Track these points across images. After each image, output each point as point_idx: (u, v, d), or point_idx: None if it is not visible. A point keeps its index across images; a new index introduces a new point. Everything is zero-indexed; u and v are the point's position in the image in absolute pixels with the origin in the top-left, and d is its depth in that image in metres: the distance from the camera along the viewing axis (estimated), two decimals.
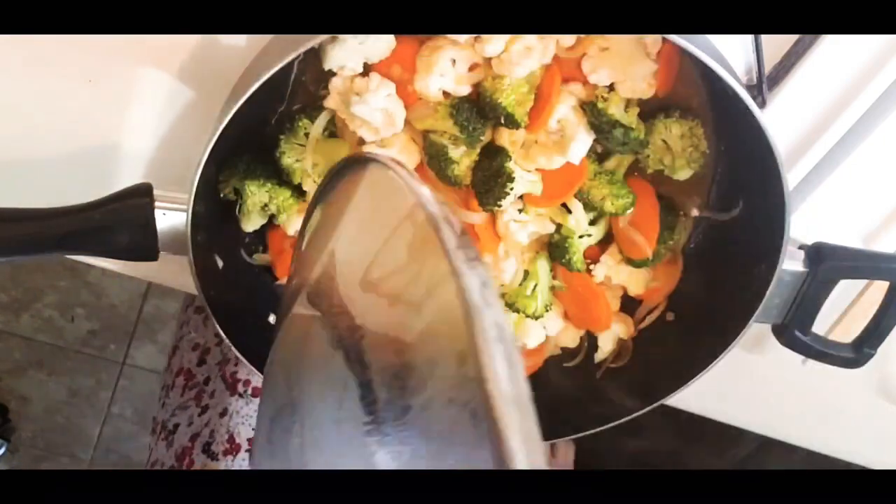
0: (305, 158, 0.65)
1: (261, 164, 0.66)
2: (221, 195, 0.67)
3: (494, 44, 0.59)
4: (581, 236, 0.69)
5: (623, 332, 0.75)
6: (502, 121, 0.62)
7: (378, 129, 0.62)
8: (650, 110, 0.65)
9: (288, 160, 0.66)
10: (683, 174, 0.67)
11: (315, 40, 0.54)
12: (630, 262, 0.71)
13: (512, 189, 0.63)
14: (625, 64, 0.61)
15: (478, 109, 0.63)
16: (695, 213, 0.71)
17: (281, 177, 0.66)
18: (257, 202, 0.66)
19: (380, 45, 0.60)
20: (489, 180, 0.64)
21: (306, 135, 0.65)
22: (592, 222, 0.70)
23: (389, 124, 0.62)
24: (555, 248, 0.70)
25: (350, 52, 0.59)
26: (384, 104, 0.61)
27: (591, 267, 0.73)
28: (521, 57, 0.59)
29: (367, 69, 0.61)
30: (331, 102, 0.63)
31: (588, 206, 0.68)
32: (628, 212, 0.68)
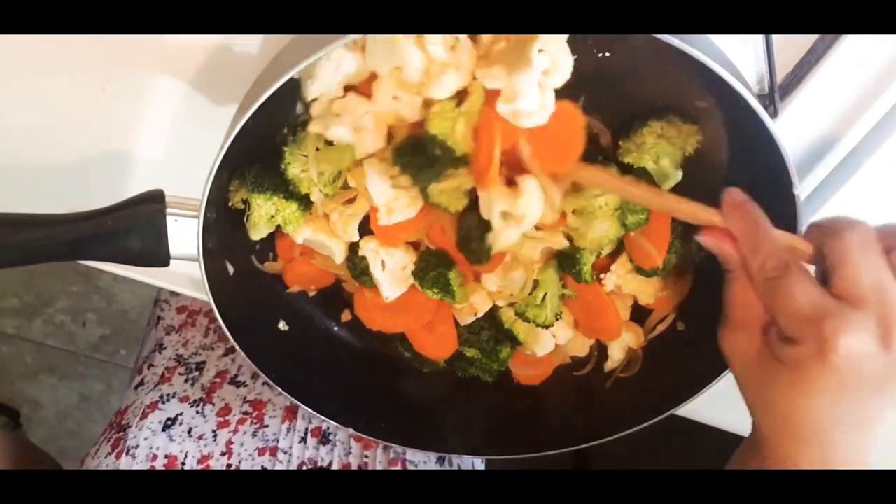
0: (310, 168, 0.65)
1: (269, 176, 0.66)
2: (230, 204, 0.67)
3: (413, 67, 0.56)
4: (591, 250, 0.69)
5: (633, 341, 0.75)
6: (438, 152, 0.58)
7: (362, 144, 0.62)
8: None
9: (294, 171, 0.66)
10: (667, 185, 0.66)
11: (327, 49, 0.54)
12: (640, 271, 0.71)
13: (491, 246, 0.61)
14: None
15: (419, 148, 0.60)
16: None
17: (288, 188, 0.67)
18: (264, 214, 0.67)
19: (355, 68, 0.60)
20: (467, 239, 0.63)
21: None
22: None
23: (373, 140, 0.62)
24: (564, 258, 0.69)
25: (328, 80, 0.60)
26: (364, 122, 0.61)
27: (601, 276, 0.73)
28: (438, 74, 0.56)
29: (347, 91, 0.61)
30: (315, 127, 0.63)
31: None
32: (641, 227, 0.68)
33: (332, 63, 0.59)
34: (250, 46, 0.66)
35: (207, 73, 0.68)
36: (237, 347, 0.67)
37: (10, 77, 0.69)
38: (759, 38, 0.64)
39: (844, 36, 0.63)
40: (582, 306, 0.74)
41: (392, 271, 0.69)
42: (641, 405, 0.73)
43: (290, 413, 0.86)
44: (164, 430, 0.82)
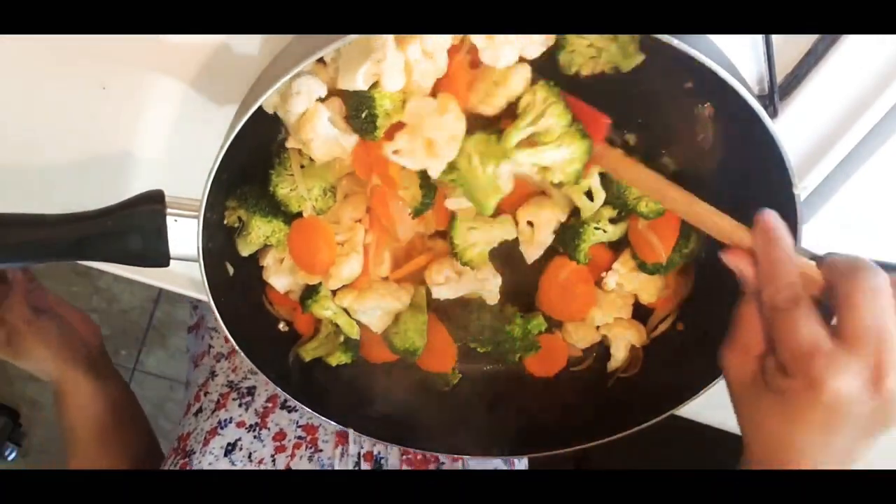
0: (299, 186, 0.67)
1: (269, 198, 0.67)
2: (225, 222, 0.68)
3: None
4: (597, 228, 0.69)
5: (636, 339, 0.75)
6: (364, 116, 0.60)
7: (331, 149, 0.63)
8: None
9: (282, 191, 0.67)
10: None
11: (326, 49, 0.54)
12: (643, 268, 0.71)
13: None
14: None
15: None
16: None
17: (281, 209, 0.68)
18: (260, 235, 0.68)
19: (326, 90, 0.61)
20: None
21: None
22: (613, 221, 0.69)
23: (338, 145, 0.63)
24: (567, 230, 0.69)
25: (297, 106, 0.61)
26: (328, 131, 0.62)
27: (603, 275, 0.73)
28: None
29: None
30: (291, 142, 0.65)
31: (618, 203, 0.67)
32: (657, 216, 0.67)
33: (304, 96, 0.60)
34: (250, 46, 0.66)
35: (207, 73, 0.68)
36: (236, 347, 0.67)
37: (10, 77, 0.69)
38: (759, 38, 0.64)
39: (844, 36, 0.63)
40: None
41: (371, 317, 0.72)
42: (641, 405, 0.73)
43: (342, 437, 0.89)
44: (225, 455, 0.87)
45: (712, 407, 0.79)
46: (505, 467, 0.94)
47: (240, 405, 0.92)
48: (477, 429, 0.78)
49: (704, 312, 0.73)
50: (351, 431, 0.83)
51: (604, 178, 0.67)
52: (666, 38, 0.51)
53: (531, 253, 0.69)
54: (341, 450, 0.88)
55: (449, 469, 0.89)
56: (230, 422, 0.90)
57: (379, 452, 0.88)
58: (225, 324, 0.65)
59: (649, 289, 0.73)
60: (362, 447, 0.88)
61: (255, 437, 0.88)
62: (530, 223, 0.69)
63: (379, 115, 0.59)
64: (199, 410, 0.96)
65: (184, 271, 0.78)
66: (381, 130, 0.60)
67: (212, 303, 0.63)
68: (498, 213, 0.68)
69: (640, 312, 0.76)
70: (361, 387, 0.78)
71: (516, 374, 0.79)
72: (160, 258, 0.61)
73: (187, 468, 0.86)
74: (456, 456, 0.90)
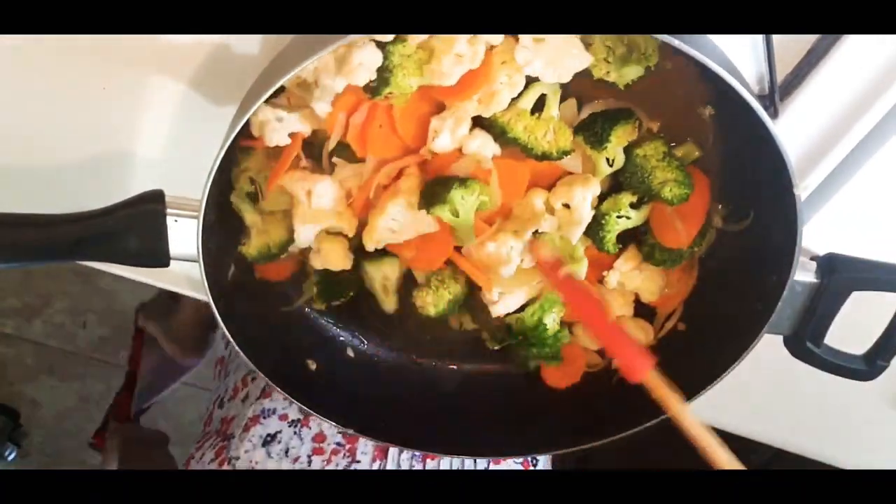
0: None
1: None
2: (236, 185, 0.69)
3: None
4: (620, 217, 0.68)
5: (643, 338, 0.75)
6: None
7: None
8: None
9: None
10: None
11: (326, 49, 0.54)
12: (650, 259, 0.70)
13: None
14: (559, 55, 0.61)
15: None
16: (718, 223, 0.70)
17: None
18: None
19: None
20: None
21: None
22: (635, 206, 0.68)
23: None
24: (590, 224, 0.68)
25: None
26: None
27: (604, 274, 0.73)
28: (452, 65, 0.59)
29: None
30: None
31: (642, 188, 0.66)
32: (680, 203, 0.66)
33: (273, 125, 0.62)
34: (250, 46, 0.66)
35: (207, 73, 0.68)
36: (236, 347, 0.67)
37: (9, 77, 0.69)
38: (759, 38, 0.64)
39: (844, 36, 0.63)
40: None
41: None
42: (642, 405, 0.72)
43: (381, 452, 0.89)
44: (263, 445, 0.87)
45: (712, 407, 0.79)
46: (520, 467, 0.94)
47: (285, 398, 0.93)
48: (480, 430, 0.78)
49: (704, 313, 0.73)
50: (367, 441, 0.83)
51: (627, 151, 0.66)
52: (666, 38, 0.51)
53: (574, 232, 0.68)
54: (380, 464, 0.87)
55: (451, 470, 0.89)
56: (273, 413, 0.90)
57: (413, 467, 0.88)
58: (225, 325, 0.65)
59: (650, 287, 0.73)
60: (399, 466, 0.88)
61: (294, 432, 0.88)
62: (566, 205, 0.68)
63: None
64: (246, 397, 0.96)
65: (184, 271, 0.78)
66: (387, 88, 0.59)
67: (212, 303, 0.63)
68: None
69: (640, 312, 0.76)
70: (359, 388, 0.78)
71: (521, 376, 0.79)
72: (160, 258, 0.61)
73: (224, 452, 0.87)
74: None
